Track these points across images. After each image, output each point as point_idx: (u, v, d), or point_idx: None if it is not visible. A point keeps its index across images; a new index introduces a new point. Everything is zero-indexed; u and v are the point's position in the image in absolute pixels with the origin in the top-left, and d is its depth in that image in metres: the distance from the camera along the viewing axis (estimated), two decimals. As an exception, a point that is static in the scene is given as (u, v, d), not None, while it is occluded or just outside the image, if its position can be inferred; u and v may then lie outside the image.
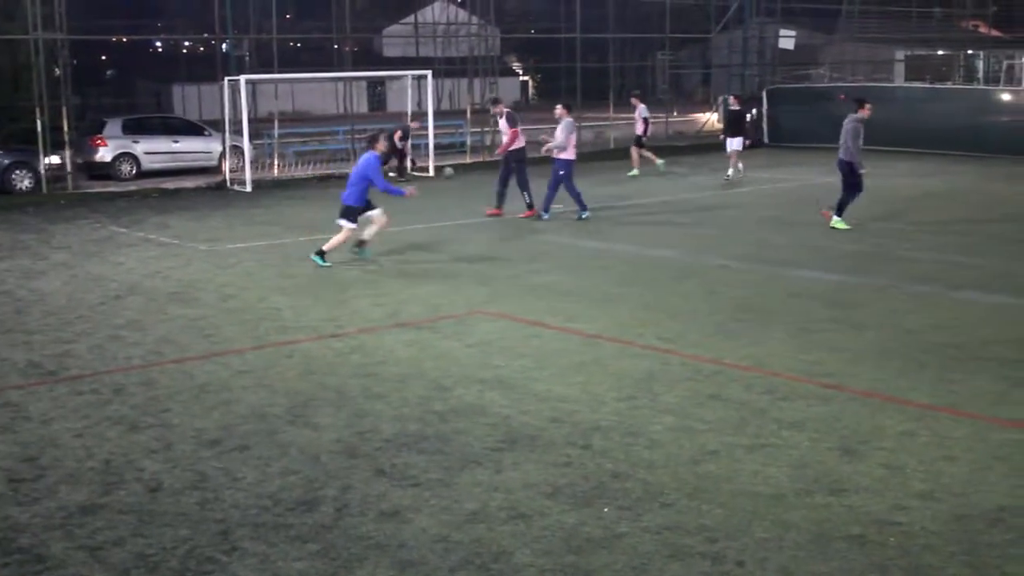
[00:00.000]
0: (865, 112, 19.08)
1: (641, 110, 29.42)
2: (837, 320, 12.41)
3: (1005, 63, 49.74)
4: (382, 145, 16.74)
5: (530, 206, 21.03)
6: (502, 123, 21.63)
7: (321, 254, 16.34)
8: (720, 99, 40.76)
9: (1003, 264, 15.82)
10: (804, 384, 9.86)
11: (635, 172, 29.19)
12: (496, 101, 22.64)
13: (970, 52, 51.52)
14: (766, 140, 38.02)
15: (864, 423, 8.74)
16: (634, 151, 29.73)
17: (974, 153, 31.55)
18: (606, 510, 7.05)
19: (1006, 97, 35.94)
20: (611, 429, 8.64)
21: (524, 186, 21.04)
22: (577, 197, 20.80)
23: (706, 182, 27.26)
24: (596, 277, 15.13)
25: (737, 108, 29.14)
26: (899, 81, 47.27)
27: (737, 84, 39.92)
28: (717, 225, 20.09)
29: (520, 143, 21.10)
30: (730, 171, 27.49)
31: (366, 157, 16.38)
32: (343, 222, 16.47)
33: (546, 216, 20.78)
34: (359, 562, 6.39)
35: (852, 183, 19.19)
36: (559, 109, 20.86)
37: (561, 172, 20.57)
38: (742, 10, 39.92)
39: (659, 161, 29.97)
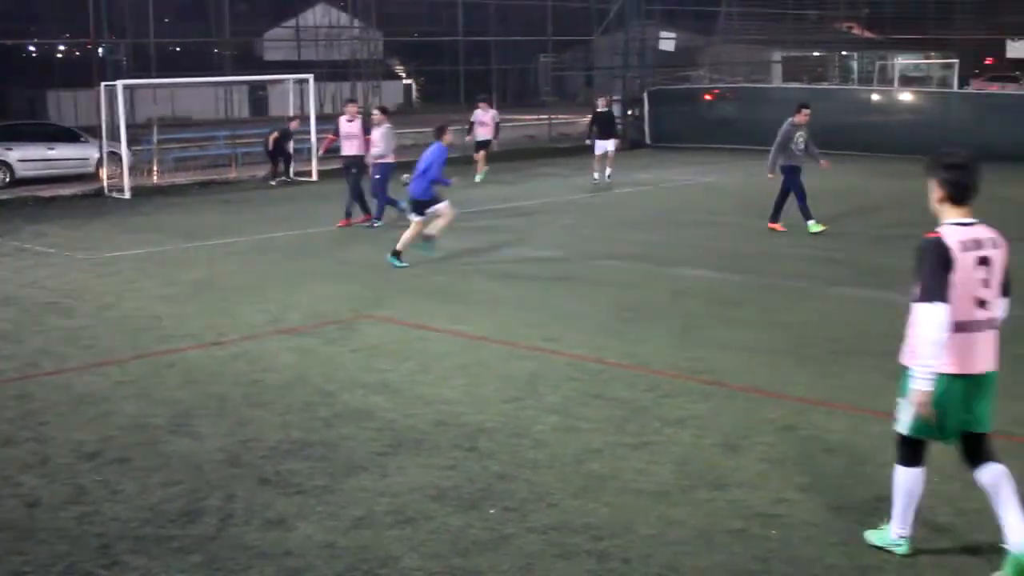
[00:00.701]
0: (800, 117, 18.76)
1: (492, 115, 28.39)
2: (719, 317, 12.60)
3: (878, 63, 50.98)
4: (449, 136, 16.58)
5: (358, 213, 20.63)
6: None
7: (397, 254, 16.12)
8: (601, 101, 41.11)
9: (876, 259, 16.20)
10: (686, 381, 9.99)
11: (480, 176, 28.01)
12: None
13: (844, 53, 52.69)
14: (648, 141, 38.42)
15: (745, 418, 8.89)
16: (480, 155, 28.53)
17: (849, 152, 32.25)
18: (492, 511, 7.06)
19: (877, 97, 36.86)
20: (496, 431, 8.66)
21: (355, 194, 20.56)
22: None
23: (588, 184, 27.43)
24: (481, 279, 15.16)
25: (606, 109, 28.55)
26: (776, 82, 48.16)
27: (619, 86, 40.29)
28: (600, 225, 20.25)
29: (365, 151, 20.54)
30: (595, 175, 27.04)
31: (432, 148, 16.25)
32: (412, 216, 16.34)
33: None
34: (244, 572, 6.31)
35: (786, 187, 18.88)
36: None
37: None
38: (623, 12, 40.28)
39: (481, 173, 28.23)
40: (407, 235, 16.26)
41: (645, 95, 39.25)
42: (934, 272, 5.82)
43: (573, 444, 8.33)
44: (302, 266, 16.49)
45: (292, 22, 45.02)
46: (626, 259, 16.51)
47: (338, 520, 6.98)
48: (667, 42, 41.37)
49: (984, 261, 5.92)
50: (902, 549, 6.35)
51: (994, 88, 43.62)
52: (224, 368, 10.77)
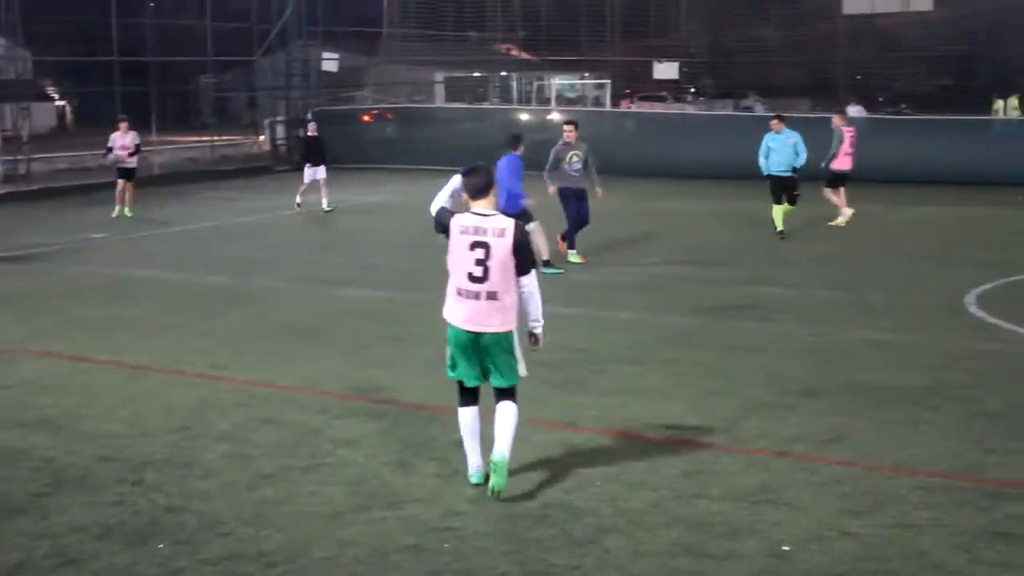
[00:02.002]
0: (566, 135, 17.74)
1: (132, 137, 24.87)
2: (389, 336, 12.70)
3: (536, 83, 52.63)
4: (521, 148, 16.18)
5: None
6: None
7: (548, 264, 16.12)
8: (267, 122, 40.63)
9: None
10: (358, 401, 10.02)
11: (127, 211, 24.55)
12: None
13: (504, 73, 54.16)
14: (314, 162, 38.27)
15: (416, 435, 9.00)
16: (128, 186, 24.74)
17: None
18: (161, 546, 6.86)
19: (530, 116, 38.21)
20: (164, 462, 8.42)
21: None
22: None
23: (255, 206, 27.07)
24: (145, 306, 14.69)
25: (315, 135, 26.60)
26: (439, 102, 48.98)
27: (283, 107, 39.98)
28: (268, 248, 20.03)
29: None
30: (299, 199, 25.81)
31: (506, 159, 15.82)
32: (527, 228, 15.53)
33: None
34: None
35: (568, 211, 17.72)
36: None
37: None
38: (284, 33, 40.00)
39: (118, 209, 24.64)
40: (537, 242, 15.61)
41: (309, 116, 39.10)
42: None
43: (244, 471, 8.20)
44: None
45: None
46: (296, 281, 16.40)
47: (-6, 567, 6.61)
48: (330, 63, 41.36)
49: (479, 245, 7.47)
50: (475, 479, 7.74)
51: (646, 107, 45.89)
52: None
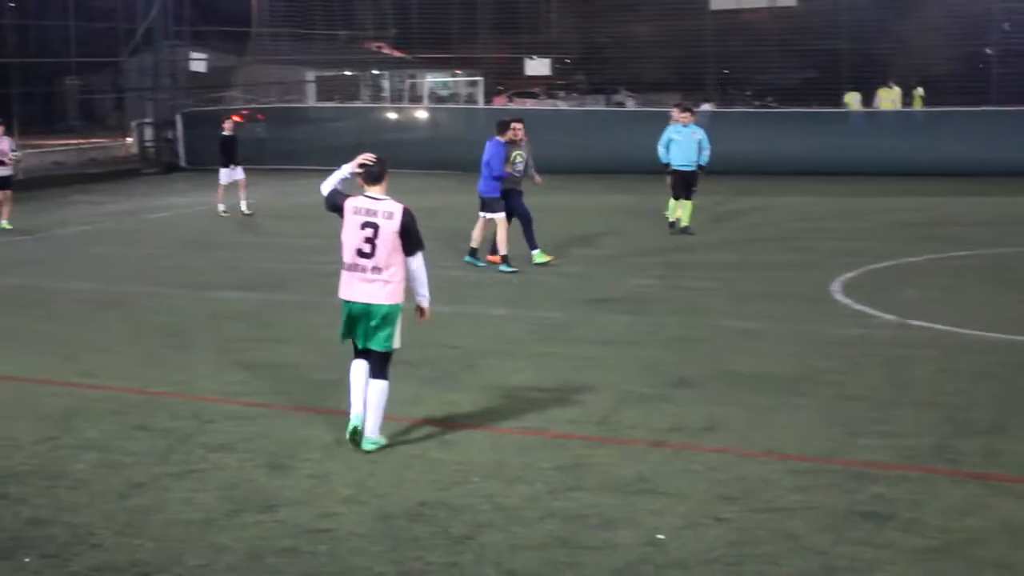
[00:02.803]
0: (511, 133, 16.78)
1: (9, 143, 22.95)
2: (260, 338, 12.55)
3: (408, 81, 52.47)
4: (509, 134, 16.71)
5: None
6: None
7: (505, 260, 16.49)
8: (134, 124, 39.84)
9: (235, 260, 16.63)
10: (230, 405, 9.89)
11: (5, 224, 22.56)
12: None
13: (376, 72, 53.89)
14: (183, 164, 37.63)
15: (290, 437, 8.91)
16: (6, 196, 22.54)
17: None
18: (27, 560, 6.69)
19: (397, 115, 38.16)
20: (29, 474, 8.20)
21: None
22: None
23: (123, 209, 26.47)
24: (9, 315, 14.29)
25: (231, 134, 25.14)
26: (311, 101, 48.55)
27: (151, 108, 39.26)
28: (140, 252, 19.64)
29: None
30: (222, 205, 24.60)
31: (491, 143, 16.59)
32: (491, 215, 16.60)
33: None
34: None
35: (517, 212, 16.96)
36: None
37: None
38: (151, 32, 39.26)
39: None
40: (501, 238, 16.57)
41: (178, 117, 38.47)
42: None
43: (115, 480, 8.03)
44: None
45: None
46: (166, 285, 16.10)
47: None
48: (198, 63, 40.75)
49: (368, 225, 8.34)
50: (354, 421, 8.44)
51: (526, 103, 45.98)
52: None
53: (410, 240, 8.41)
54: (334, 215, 8.70)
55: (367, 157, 8.64)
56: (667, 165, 20.08)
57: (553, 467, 8.08)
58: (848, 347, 11.63)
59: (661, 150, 20.15)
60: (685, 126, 19.97)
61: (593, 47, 46.19)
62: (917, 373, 10.54)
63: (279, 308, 14.32)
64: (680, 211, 20.02)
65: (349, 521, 7.16)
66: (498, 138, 16.65)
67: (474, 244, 17.08)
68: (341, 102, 45.15)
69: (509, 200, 16.84)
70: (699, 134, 19.93)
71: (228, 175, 24.70)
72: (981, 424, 8.94)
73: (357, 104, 43.82)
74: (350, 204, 8.48)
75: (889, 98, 34.52)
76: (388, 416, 9.34)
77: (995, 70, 34.59)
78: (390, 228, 8.34)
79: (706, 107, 33.32)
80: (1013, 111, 30.94)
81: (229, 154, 24.85)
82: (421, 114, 39.31)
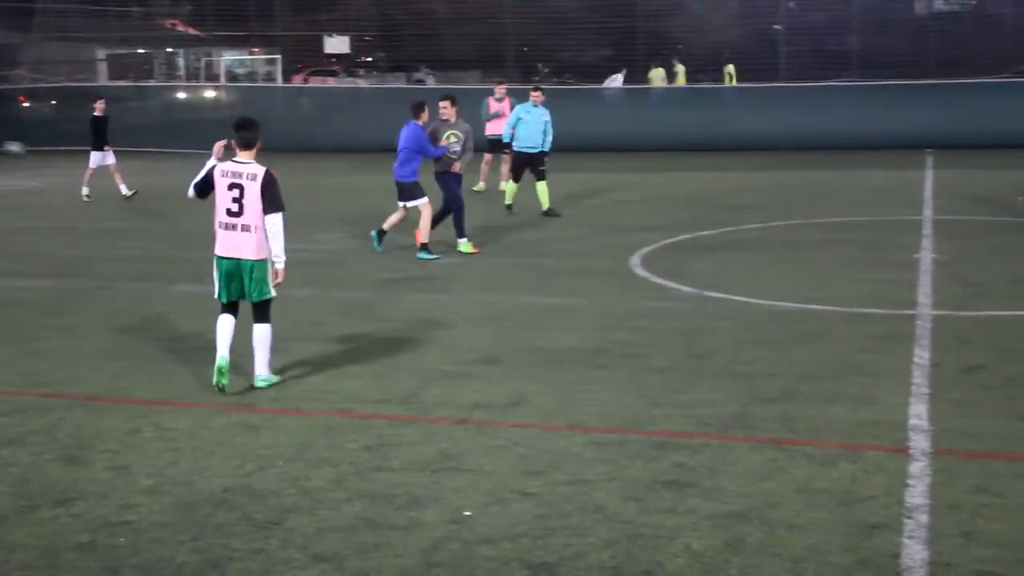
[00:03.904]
0: (444, 112, 16.12)
1: None
2: (51, 327, 12.11)
3: (204, 60, 51.32)
4: (424, 117, 15.65)
5: None
6: None
7: (424, 248, 15.64)
8: None
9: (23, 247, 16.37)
10: (22, 397, 9.51)
11: None
12: None
13: (170, 50, 52.54)
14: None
15: (87, 428, 8.63)
16: None
17: (164, 149, 32.25)
18: None
19: (187, 94, 37.37)
20: None
21: None
22: None
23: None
24: None
25: (103, 115, 23.68)
26: (103, 80, 47.06)
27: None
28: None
29: None
30: (85, 189, 23.26)
31: (410, 127, 15.57)
32: (414, 202, 15.72)
33: None
34: None
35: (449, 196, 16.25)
36: None
37: None
38: (-73, 9, 37.49)
39: None
40: (424, 225, 15.73)
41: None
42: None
43: None
44: None
45: None
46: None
47: None
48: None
49: (235, 187, 9.19)
50: (220, 362, 9.21)
51: (327, 82, 45.45)
52: None
53: (268, 200, 9.20)
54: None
55: (221, 143, 9.42)
56: (508, 144, 20.18)
57: (359, 447, 8.03)
58: (648, 319, 11.87)
59: (506, 129, 20.19)
60: (535, 106, 19.93)
61: (392, 24, 45.95)
62: (715, 343, 10.82)
63: (72, 295, 13.84)
64: (516, 192, 20.00)
65: (150, 511, 6.98)
66: (414, 121, 15.56)
67: (385, 227, 16.20)
68: (134, 81, 43.92)
69: (446, 184, 16.04)
70: (546, 116, 19.89)
71: (99, 159, 23.35)
72: (776, 391, 9.23)
73: (151, 83, 42.72)
74: (219, 169, 9.29)
75: (658, 76, 35.57)
76: (189, 403, 9.20)
77: (783, 48, 35.83)
78: (253, 189, 9.17)
79: (618, 77, 33.79)
80: (801, 87, 32.14)
81: (101, 136, 23.46)
82: (216, 93, 38.47)
